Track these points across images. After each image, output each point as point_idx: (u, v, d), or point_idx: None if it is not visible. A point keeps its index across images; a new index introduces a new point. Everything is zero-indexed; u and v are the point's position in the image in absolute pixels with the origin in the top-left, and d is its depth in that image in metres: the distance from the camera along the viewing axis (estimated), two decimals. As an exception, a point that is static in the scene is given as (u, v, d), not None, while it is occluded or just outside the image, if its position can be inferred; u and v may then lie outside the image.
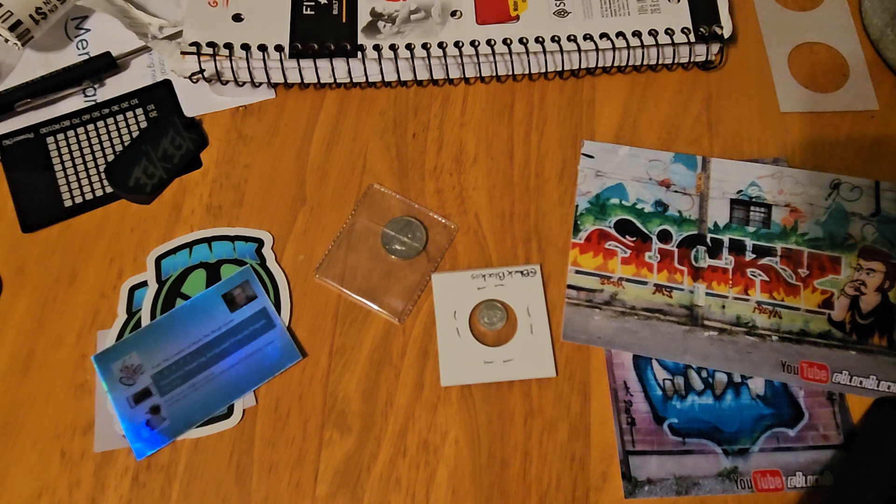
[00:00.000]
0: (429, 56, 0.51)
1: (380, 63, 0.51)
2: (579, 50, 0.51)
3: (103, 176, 0.51)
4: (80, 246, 0.49)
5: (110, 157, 0.51)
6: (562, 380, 0.45)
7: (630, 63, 0.52)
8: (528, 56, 0.52)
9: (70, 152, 0.51)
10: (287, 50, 0.51)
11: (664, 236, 0.48)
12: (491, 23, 0.52)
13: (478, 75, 0.53)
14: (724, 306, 0.46)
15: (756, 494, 0.42)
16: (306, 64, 0.51)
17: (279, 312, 0.47)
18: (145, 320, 0.46)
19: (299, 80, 0.52)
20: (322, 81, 0.52)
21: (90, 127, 0.52)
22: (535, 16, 0.52)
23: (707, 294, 0.47)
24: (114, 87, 0.54)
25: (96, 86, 0.54)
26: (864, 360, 0.45)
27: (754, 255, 0.48)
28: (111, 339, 0.46)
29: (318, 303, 0.47)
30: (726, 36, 0.52)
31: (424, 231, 0.49)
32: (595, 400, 0.44)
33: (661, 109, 0.53)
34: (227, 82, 0.52)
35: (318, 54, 0.51)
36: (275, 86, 0.54)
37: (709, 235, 0.48)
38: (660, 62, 0.53)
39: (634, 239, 0.48)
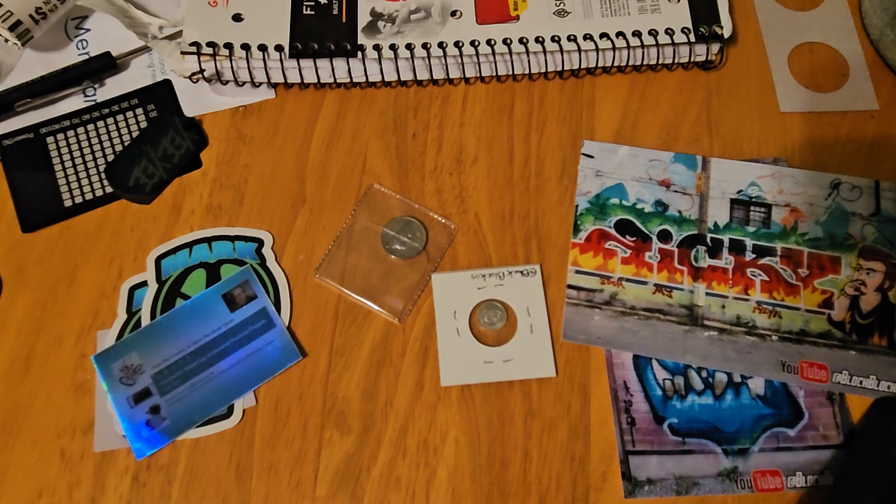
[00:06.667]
0: (429, 56, 0.51)
1: (380, 63, 0.51)
2: (579, 50, 0.51)
3: (103, 176, 0.51)
4: (80, 246, 0.49)
5: (110, 157, 0.51)
6: (562, 380, 0.45)
7: (630, 63, 0.52)
8: (528, 56, 0.52)
9: (70, 152, 0.51)
10: (287, 50, 0.51)
11: (664, 236, 0.48)
12: (491, 23, 0.52)
13: (478, 75, 0.53)
14: (724, 306, 0.46)
15: (756, 494, 0.42)
16: (306, 64, 0.51)
17: (279, 312, 0.47)
18: (145, 320, 0.46)
19: (299, 80, 0.52)
20: (322, 81, 0.52)
21: (90, 127, 0.52)
22: (535, 16, 0.52)
23: (707, 294, 0.47)
24: (114, 87, 0.54)
25: (96, 86, 0.54)
26: (864, 359, 0.45)
27: (754, 255, 0.48)
28: (111, 339, 0.46)
29: (318, 303, 0.47)
30: (726, 36, 0.52)
31: (424, 231, 0.49)
32: (595, 400, 0.44)
33: (661, 109, 0.53)
34: (227, 82, 0.52)
35: (318, 54, 0.51)
36: (275, 86, 0.54)
37: (709, 235, 0.48)
38: (660, 62, 0.53)
39: (634, 239, 0.48)
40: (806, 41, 0.55)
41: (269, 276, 0.48)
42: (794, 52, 0.55)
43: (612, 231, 0.49)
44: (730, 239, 0.48)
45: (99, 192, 0.50)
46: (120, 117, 0.53)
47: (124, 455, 0.43)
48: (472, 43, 0.51)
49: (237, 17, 0.52)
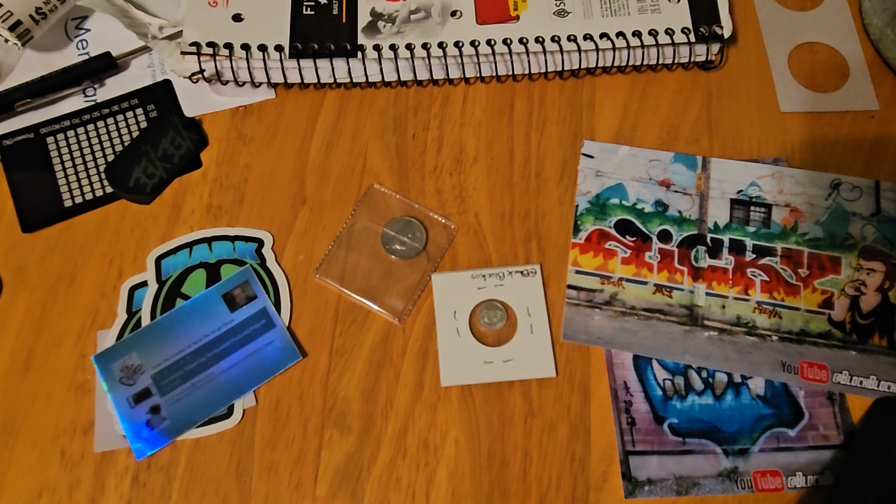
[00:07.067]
0: (429, 56, 0.51)
1: (380, 63, 0.51)
2: (579, 50, 0.51)
3: (103, 176, 0.51)
4: (80, 246, 0.49)
5: (110, 157, 0.51)
6: (562, 380, 0.45)
7: (630, 63, 0.52)
8: (528, 56, 0.52)
9: (70, 152, 0.51)
10: (287, 50, 0.51)
11: (664, 236, 0.48)
12: (491, 23, 0.52)
13: (478, 75, 0.53)
14: (724, 306, 0.46)
15: (756, 494, 0.42)
16: (306, 64, 0.51)
17: (279, 312, 0.47)
18: (145, 320, 0.46)
19: (299, 80, 0.52)
20: (322, 81, 0.52)
21: (90, 127, 0.52)
22: (535, 16, 0.52)
23: (707, 294, 0.47)
24: (114, 87, 0.54)
25: (96, 86, 0.54)
26: (864, 360, 0.45)
27: (754, 255, 0.48)
28: (111, 339, 0.46)
29: (318, 303, 0.47)
30: (726, 36, 0.52)
31: (424, 231, 0.49)
32: (595, 400, 0.44)
33: (661, 109, 0.53)
34: (227, 82, 0.52)
35: (318, 54, 0.51)
36: (275, 86, 0.54)
37: (709, 235, 0.48)
38: (660, 62, 0.53)
39: (634, 239, 0.48)
40: (806, 41, 0.55)
41: (269, 276, 0.48)
42: (794, 52, 0.55)
43: (612, 231, 0.49)
44: (730, 239, 0.48)
45: (99, 192, 0.50)
46: (120, 117, 0.53)
47: (124, 455, 0.43)
48: (472, 43, 0.51)
49: (237, 18, 0.52)
